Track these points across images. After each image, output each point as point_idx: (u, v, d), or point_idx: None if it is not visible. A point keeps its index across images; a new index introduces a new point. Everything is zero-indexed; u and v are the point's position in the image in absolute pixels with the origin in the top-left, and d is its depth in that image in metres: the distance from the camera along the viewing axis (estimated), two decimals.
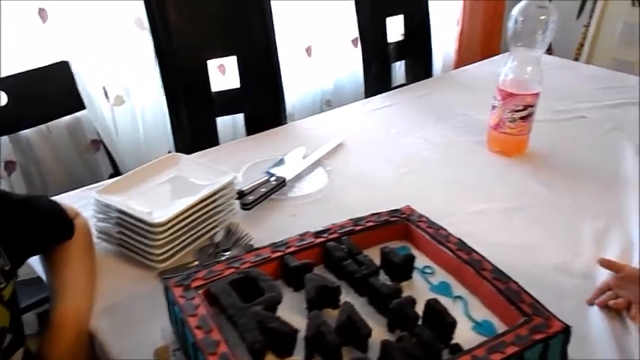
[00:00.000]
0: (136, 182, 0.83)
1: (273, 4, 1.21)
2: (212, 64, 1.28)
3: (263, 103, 1.25)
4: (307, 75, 1.79)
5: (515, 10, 1.03)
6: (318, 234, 0.69)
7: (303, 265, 0.63)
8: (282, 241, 0.68)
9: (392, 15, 1.52)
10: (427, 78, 1.58)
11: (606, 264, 0.78)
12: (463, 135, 1.22)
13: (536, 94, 1.08)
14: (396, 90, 1.46)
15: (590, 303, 0.74)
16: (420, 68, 1.60)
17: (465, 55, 2.19)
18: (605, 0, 2.02)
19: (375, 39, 1.48)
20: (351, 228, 0.71)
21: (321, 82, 1.85)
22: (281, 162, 1.05)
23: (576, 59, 2.22)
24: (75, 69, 1.22)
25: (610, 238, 0.88)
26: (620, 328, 0.71)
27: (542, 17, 1.02)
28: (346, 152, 1.13)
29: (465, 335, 0.59)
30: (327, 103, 1.90)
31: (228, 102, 1.21)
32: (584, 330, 0.71)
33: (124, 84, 1.41)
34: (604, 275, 0.80)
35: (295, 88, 1.77)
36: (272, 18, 1.22)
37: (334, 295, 0.61)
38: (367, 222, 0.73)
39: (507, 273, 0.79)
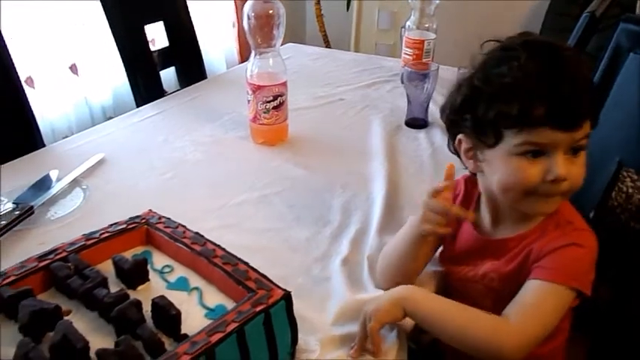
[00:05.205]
0: None
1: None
2: None
3: (10, 130, 1.15)
4: (78, 94, 1.70)
5: (246, 8, 1.09)
6: (42, 257, 0.66)
7: (19, 293, 0.60)
8: None
9: (149, 23, 1.50)
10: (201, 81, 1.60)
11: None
12: (230, 132, 1.26)
13: (283, 83, 1.15)
14: (166, 97, 1.45)
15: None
16: (193, 72, 1.60)
17: (248, 54, 2.25)
18: None
19: (135, 48, 1.45)
20: (82, 244, 0.69)
21: (97, 98, 1.76)
22: (30, 189, 0.98)
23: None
24: None
25: (355, 205, 0.98)
26: (356, 286, 0.79)
27: (271, 11, 1.08)
28: (107, 168, 1.10)
29: (197, 324, 0.60)
30: (110, 120, 1.83)
31: None
32: (327, 291, 0.78)
33: None
34: (349, 235, 0.88)
35: (67, 110, 1.67)
36: (2, 39, 1.13)
37: (54, 317, 0.58)
38: (101, 234, 0.71)
39: (262, 255, 0.84)
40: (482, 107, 0.66)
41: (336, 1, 2.59)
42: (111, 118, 1.82)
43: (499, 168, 0.68)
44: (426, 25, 1.41)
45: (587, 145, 0.67)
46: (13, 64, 1.15)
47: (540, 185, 0.65)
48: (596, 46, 1.05)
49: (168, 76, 1.66)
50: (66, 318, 0.60)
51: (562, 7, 1.99)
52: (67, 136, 1.64)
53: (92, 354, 0.55)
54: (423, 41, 1.39)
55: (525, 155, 0.65)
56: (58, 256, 0.66)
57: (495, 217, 0.75)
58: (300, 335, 0.66)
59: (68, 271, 0.64)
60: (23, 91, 1.19)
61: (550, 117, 0.62)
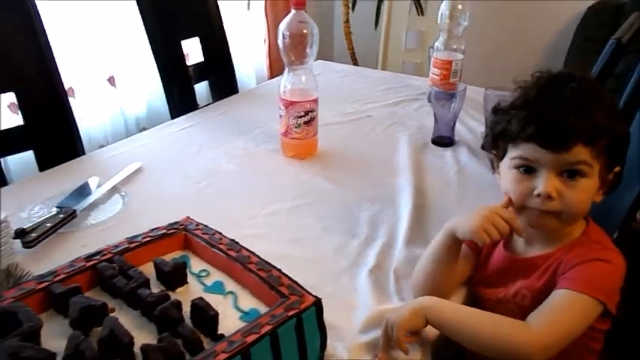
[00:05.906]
0: None
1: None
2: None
3: (53, 137, 1.21)
4: (115, 105, 1.77)
5: (282, 27, 1.13)
6: (89, 257, 0.70)
7: (69, 290, 0.64)
8: (49, 271, 0.68)
9: (186, 38, 1.56)
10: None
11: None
12: (261, 145, 1.30)
13: (315, 100, 1.18)
14: (199, 110, 1.51)
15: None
16: (225, 87, 1.66)
17: (277, 70, 2.31)
18: (389, 11, 2.27)
19: (172, 62, 1.51)
20: (125, 246, 0.73)
21: (132, 109, 1.83)
22: (71, 195, 1.03)
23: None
24: None
25: (382, 218, 1.01)
26: (382, 297, 0.82)
27: (305, 31, 1.12)
28: (145, 176, 1.15)
29: (232, 325, 0.64)
30: (143, 130, 1.89)
31: (12, 140, 1.17)
32: (354, 300, 0.81)
33: None
34: (376, 247, 0.92)
35: (104, 119, 1.74)
36: (51, 51, 1.20)
37: (101, 313, 0.62)
38: (143, 238, 0.75)
39: (292, 264, 0.87)
40: (493, 124, 0.78)
41: (364, 20, 2.64)
42: (144, 129, 1.88)
43: (504, 178, 0.77)
44: (454, 47, 1.44)
45: (590, 172, 0.70)
46: (59, 75, 1.22)
47: (530, 200, 0.72)
48: (624, 68, 1.07)
49: (200, 89, 1.72)
50: (111, 315, 0.63)
51: (589, 30, 2.01)
52: (103, 145, 1.70)
53: (136, 349, 0.59)
54: (450, 62, 1.43)
55: (519, 169, 0.73)
56: (104, 257, 0.70)
57: (528, 236, 0.78)
58: (328, 341, 0.68)
59: (113, 272, 0.68)
60: (68, 101, 1.25)
61: (537, 135, 0.70)
